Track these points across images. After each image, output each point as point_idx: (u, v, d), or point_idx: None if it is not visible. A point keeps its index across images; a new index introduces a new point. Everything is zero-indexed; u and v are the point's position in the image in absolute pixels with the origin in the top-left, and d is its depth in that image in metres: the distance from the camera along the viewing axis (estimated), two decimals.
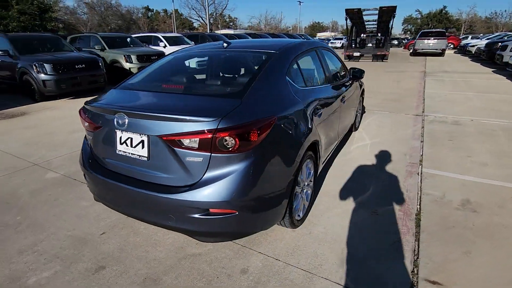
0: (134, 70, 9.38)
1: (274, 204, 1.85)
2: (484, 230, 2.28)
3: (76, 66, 7.26)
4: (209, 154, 1.58)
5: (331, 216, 2.50)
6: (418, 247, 2.12)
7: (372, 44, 21.78)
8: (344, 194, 2.84)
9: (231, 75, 2.09)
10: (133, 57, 9.50)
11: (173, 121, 1.60)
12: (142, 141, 1.73)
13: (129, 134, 1.77)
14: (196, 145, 1.58)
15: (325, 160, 2.90)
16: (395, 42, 39.65)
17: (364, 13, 16.36)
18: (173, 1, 48.98)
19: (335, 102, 2.91)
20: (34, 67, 6.81)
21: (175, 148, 1.62)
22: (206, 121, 1.55)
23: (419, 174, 3.20)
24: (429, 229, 2.30)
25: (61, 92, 7.12)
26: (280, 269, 1.95)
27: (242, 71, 2.20)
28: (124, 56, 9.43)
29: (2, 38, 7.58)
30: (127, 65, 9.45)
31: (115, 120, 1.76)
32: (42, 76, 6.81)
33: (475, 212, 2.51)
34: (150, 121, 1.66)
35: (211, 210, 1.63)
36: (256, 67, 2.06)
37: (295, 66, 2.37)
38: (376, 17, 17.72)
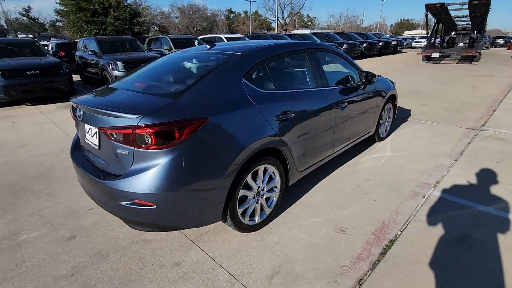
0: None
1: (201, 204, 1.88)
2: (463, 271, 1.87)
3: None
4: (133, 148, 1.72)
5: (293, 227, 2.38)
6: (368, 276, 1.87)
7: (464, 43, 18.91)
8: (322, 207, 2.65)
9: (185, 76, 2.18)
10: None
11: (107, 116, 1.79)
12: (96, 132, 1.98)
13: (89, 126, 2.04)
14: (121, 139, 1.74)
15: (308, 168, 2.75)
16: (501, 41, 33.44)
17: (449, 7, 14.27)
18: (250, 3, 50.50)
19: (324, 107, 2.72)
20: None
21: (110, 140, 1.81)
22: (129, 118, 1.69)
23: (425, 197, 2.75)
24: (395, 260, 2.00)
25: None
26: (210, 268, 1.98)
27: (198, 72, 2.26)
28: None
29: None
30: None
31: (77, 113, 2.05)
32: None
33: (469, 251, 2.07)
34: (94, 115, 1.89)
35: (136, 200, 1.77)
36: (211, 69, 2.11)
37: (261, 68, 2.32)
38: (467, 12, 15.27)
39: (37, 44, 8.90)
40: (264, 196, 2.34)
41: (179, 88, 1.97)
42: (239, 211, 2.14)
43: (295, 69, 2.90)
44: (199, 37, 14.47)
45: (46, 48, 11.60)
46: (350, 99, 3.10)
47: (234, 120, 1.97)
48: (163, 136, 1.68)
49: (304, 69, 2.73)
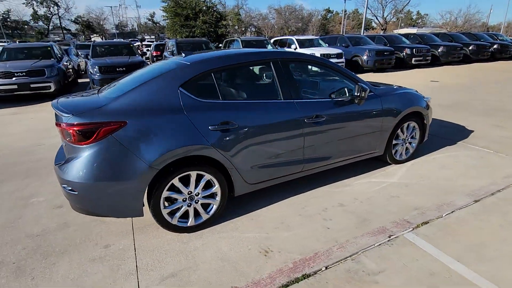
0: None
1: (118, 197, 2.11)
2: None
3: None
4: (65, 141, 2.08)
5: (223, 237, 2.39)
6: None
7: None
8: (268, 224, 2.56)
9: (132, 84, 2.38)
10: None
11: (58, 114, 2.17)
12: None
13: None
14: (59, 133, 2.11)
15: (264, 182, 2.68)
16: None
17: None
18: (345, 1, 47.91)
19: (287, 121, 2.59)
20: None
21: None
22: (64, 116, 2.04)
23: (391, 237, 2.33)
24: None
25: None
26: (126, 257, 2.20)
27: (140, 80, 2.41)
28: None
29: None
30: None
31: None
32: None
33: None
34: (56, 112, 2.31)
35: (67, 185, 2.12)
36: (151, 78, 2.29)
37: (207, 78, 2.38)
38: None
39: (131, 45, 10.78)
40: (199, 202, 2.42)
41: (118, 94, 2.23)
42: (165, 210, 2.29)
43: (254, 80, 2.83)
44: (273, 39, 14.81)
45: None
46: (332, 114, 2.84)
47: (157, 126, 2.12)
48: (82, 134, 1.98)
49: (267, 80, 2.65)
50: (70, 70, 10.13)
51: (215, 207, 2.50)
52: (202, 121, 2.25)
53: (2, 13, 45.59)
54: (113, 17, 60.48)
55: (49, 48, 9.76)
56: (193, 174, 2.31)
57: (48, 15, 50.10)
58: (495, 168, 3.49)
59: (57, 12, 49.88)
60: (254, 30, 56.49)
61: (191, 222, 2.43)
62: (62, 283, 1.97)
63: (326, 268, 2.04)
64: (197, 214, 2.46)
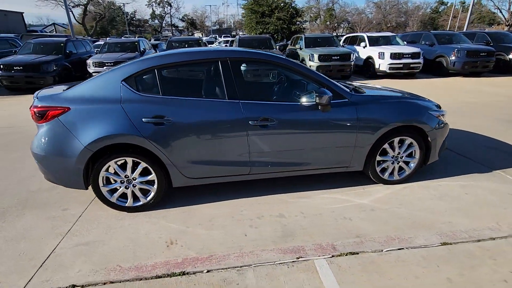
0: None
1: (62, 170, 2.53)
2: None
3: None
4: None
5: (150, 223, 2.59)
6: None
7: None
8: (194, 215, 2.63)
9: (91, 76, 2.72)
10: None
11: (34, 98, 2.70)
12: None
13: None
14: None
15: (206, 178, 2.76)
16: None
17: None
18: None
19: (228, 120, 2.58)
20: None
21: None
22: (34, 100, 2.56)
23: (299, 258, 2.11)
24: None
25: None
26: (69, 221, 2.62)
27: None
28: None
29: None
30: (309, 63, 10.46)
31: None
32: None
33: None
34: None
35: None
36: (104, 72, 2.61)
37: (150, 74, 2.56)
38: None
39: (200, 41, 11.88)
40: (137, 186, 2.67)
41: (75, 85, 2.63)
42: (104, 188, 2.62)
43: (201, 78, 2.84)
44: (345, 36, 13.92)
45: None
46: (286, 119, 2.67)
47: (95, 114, 2.45)
48: (38, 114, 2.45)
49: (214, 79, 2.66)
50: None
51: (152, 193, 2.71)
52: (136, 113, 2.47)
53: (130, 14, 55.07)
54: (211, 15, 66.33)
55: (136, 43, 11.52)
56: (129, 160, 2.57)
57: (162, 14, 58.23)
58: (495, 206, 2.68)
59: (169, 11, 57.50)
60: (347, 25, 53.58)
61: (129, 203, 2.70)
62: (18, 230, 2.50)
63: (208, 271, 2.02)
64: (136, 197, 2.72)
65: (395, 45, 11.46)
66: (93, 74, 9.45)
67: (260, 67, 2.92)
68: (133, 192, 2.69)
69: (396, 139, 2.99)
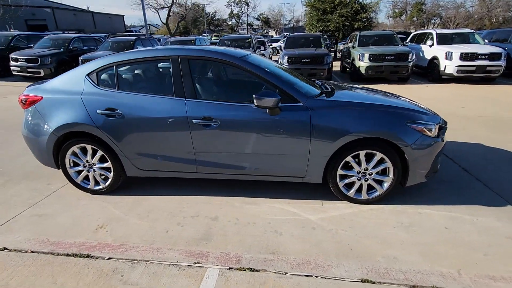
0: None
1: (39, 150, 2.93)
2: None
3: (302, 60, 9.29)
4: None
5: (98, 205, 2.83)
6: None
7: None
8: (140, 205, 2.77)
9: None
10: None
11: None
12: None
13: None
14: None
15: (156, 171, 2.87)
16: None
17: None
18: None
19: (171, 117, 2.62)
20: None
21: None
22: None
23: (197, 263, 2.04)
24: None
25: None
26: (48, 194, 3.05)
27: None
28: None
29: None
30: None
31: None
32: None
33: None
34: None
35: None
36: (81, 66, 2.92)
37: (109, 70, 2.76)
38: None
39: (249, 39, 12.04)
40: (96, 172, 2.95)
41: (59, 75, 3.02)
42: (71, 170, 2.96)
43: (154, 75, 2.87)
44: (413, 33, 12.40)
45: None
46: (229, 120, 2.59)
47: (61, 104, 2.78)
48: (22, 101, 2.90)
49: (166, 76, 2.72)
50: None
51: (110, 180, 2.95)
52: (93, 105, 2.72)
53: (211, 14, 59.12)
54: (285, 13, 66.36)
55: (193, 41, 12.34)
56: (88, 147, 2.85)
57: (240, 13, 60.88)
58: (504, 257, 2.05)
59: (246, 10, 59.76)
60: (438, 21, 47.22)
61: (91, 185, 3.00)
62: (6, 195, 3.03)
63: (109, 258, 2.13)
64: (96, 181, 3.00)
65: (471, 44, 9.71)
66: None
67: (214, 66, 2.86)
68: (94, 176, 2.98)
69: (362, 152, 2.59)
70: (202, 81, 2.72)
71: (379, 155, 2.58)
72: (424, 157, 2.59)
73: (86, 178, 3.01)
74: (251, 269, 2.00)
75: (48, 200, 2.94)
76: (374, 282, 1.88)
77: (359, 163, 2.65)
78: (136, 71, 2.89)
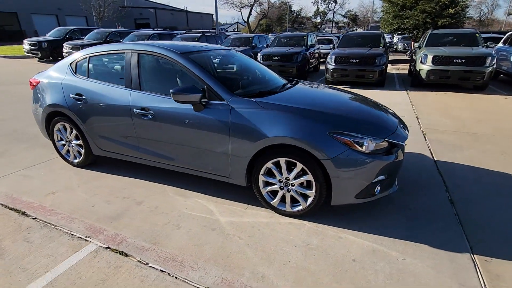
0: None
1: (39, 125, 3.61)
2: None
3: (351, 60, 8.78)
4: None
5: (59, 177, 3.33)
6: None
7: None
8: (94, 182, 3.15)
9: None
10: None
11: None
12: None
13: None
14: None
15: (113, 153, 3.21)
16: None
17: None
18: None
19: (118, 106, 2.89)
20: None
21: None
22: None
23: (88, 238, 2.25)
24: None
25: None
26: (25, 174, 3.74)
27: None
28: None
29: None
30: None
31: None
32: None
33: None
34: None
35: None
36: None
37: (84, 61, 3.18)
38: None
39: (305, 37, 11.67)
40: (74, 147, 3.46)
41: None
42: (58, 143, 3.55)
43: (113, 66, 3.09)
44: (508, 33, 10.09)
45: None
46: (160, 112, 2.72)
47: (49, 88, 3.35)
48: (30, 84, 3.59)
49: (122, 68, 2.97)
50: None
51: (82, 156, 3.43)
52: (68, 90, 3.20)
53: (296, 11, 59.05)
54: (375, 9, 61.31)
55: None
56: (67, 126, 3.37)
57: (326, 11, 59.12)
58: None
59: (333, 7, 57.63)
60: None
61: (71, 158, 3.54)
62: (23, 157, 3.82)
63: (34, 218, 2.52)
64: (74, 155, 3.51)
65: None
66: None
67: (162, 60, 2.96)
68: (71, 150, 3.50)
69: (282, 160, 2.38)
70: (147, 74, 2.90)
71: (299, 166, 2.34)
72: (351, 175, 2.23)
73: (68, 151, 3.56)
74: (121, 253, 2.11)
75: (40, 165, 3.60)
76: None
77: (281, 172, 2.44)
78: (102, 62, 3.26)
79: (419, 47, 9.53)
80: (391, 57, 17.26)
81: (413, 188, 3.00)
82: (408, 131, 2.80)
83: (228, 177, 2.68)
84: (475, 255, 2.09)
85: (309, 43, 11.31)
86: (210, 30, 21.57)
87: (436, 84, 8.49)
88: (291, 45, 11.30)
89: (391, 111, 3.02)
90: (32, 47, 14.34)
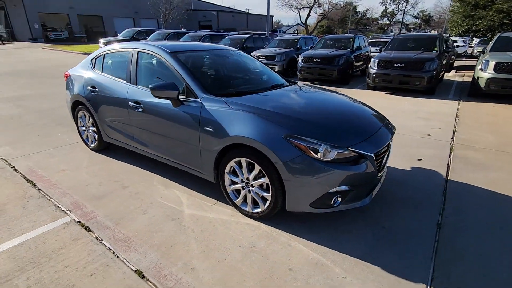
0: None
1: (69, 111, 4.19)
2: None
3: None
4: None
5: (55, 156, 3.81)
6: None
7: None
8: (87, 164, 3.55)
9: None
10: None
11: None
12: None
13: None
14: None
15: (119, 142, 3.58)
16: None
17: None
18: None
19: (118, 98, 3.22)
20: None
21: None
22: None
23: (69, 210, 2.58)
24: None
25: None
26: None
27: None
28: None
29: None
30: None
31: None
32: None
33: None
34: None
35: None
36: None
37: (101, 59, 3.59)
38: None
39: (351, 39, 11.12)
40: (91, 133, 3.93)
41: None
42: (80, 129, 4.08)
43: (120, 63, 3.36)
44: None
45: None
46: (147, 105, 2.95)
47: (74, 80, 3.86)
48: (65, 76, 4.18)
49: (127, 65, 3.27)
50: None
51: (96, 141, 3.88)
52: (87, 82, 3.66)
53: (361, 13, 56.31)
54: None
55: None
56: (86, 114, 3.84)
57: (395, 11, 55.14)
58: None
59: (404, 8, 53.45)
60: None
61: (89, 143, 4.03)
62: (55, 137, 4.48)
63: (38, 190, 2.97)
64: (91, 140, 3.99)
65: None
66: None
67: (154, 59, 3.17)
68: (88, 136, 3.99)
69: (243, 160, 2.40)
70: (143, 70, 3.15)
71: (257, 167, 2.32)
72: (305, 182, 2.13)
73: (87, 136, 4.06)
74: (86, 228, 2.37)
75: (65, 147, 4.16)
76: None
77: (242, 172, 2.45)
78: (113, 59, 3.63)
79: (483, 52, 8.35)
80: (461, 63, 15.39)
81: (399, 206, 2.71)
82: (391, 136, 2.57)
83: (200, 172, 2.78)
84: None
85: (356, 45, 10.77)
86: (259, 32, 21.88)
87: (496, 95, 7.36)
88: (336, 47, 10.91)
89: (376, 115, 2.81)
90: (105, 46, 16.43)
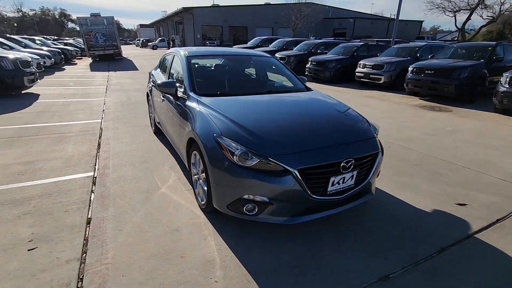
0: None
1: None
2: None
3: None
4: None
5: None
6: None
7: None
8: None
9: None
10: None
11: None
12: None
13: None
14: None
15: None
16: None
17: None
18: None
19: (160, 93, 4.02)
20: None
21: None
22: None
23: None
24: None
25: None
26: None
27: None
28: None
29: None
30: None
31: None
32: None
33: None
34: None
35: None
36: None
37: (161, 60, 4.50)
38: None
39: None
40: (152, 118, 4.98)
41: None
42: (150, 115, 5.22)
43: (167, 62, 4.00)
44: None
45: None
46: (166, 96, 3.57)
47: (149, 76, 4.98)
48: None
49: (168, 66, 3.99)
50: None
51: (153, 126, 4.89)
52: (151, 78, 4.68)
53: None
54: None
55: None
56: (151, 102, 4.90)
57: None
58: None
59: None
60: None
61: (152, 125, 5.11)
62: (139, 122, 5.86)
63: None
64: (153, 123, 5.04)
65: None
66: None
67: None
68: (150, 119, 5.04)
69: (195, 152, 2.63)
70: (172, 69, 3.79)
71: (198, 156, 2.52)
72: (223, 181, 2.18)
73: (150, 120, 5.15)
74: (94, 183, 3.18)
75: (139, 127, 5.38)
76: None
77: (195, 164, 2.69)
78: (166, 61, 4.42)
79: None
80: None
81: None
82: (354, 157, 2.20)
83: (183, 158, 3.17)
84: None
85: (498, 56, 8.33)
86: (378, 39, 19.64)
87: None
88: (468, 57, 8.72)
89: (351, 131, 2.44)
90: None
